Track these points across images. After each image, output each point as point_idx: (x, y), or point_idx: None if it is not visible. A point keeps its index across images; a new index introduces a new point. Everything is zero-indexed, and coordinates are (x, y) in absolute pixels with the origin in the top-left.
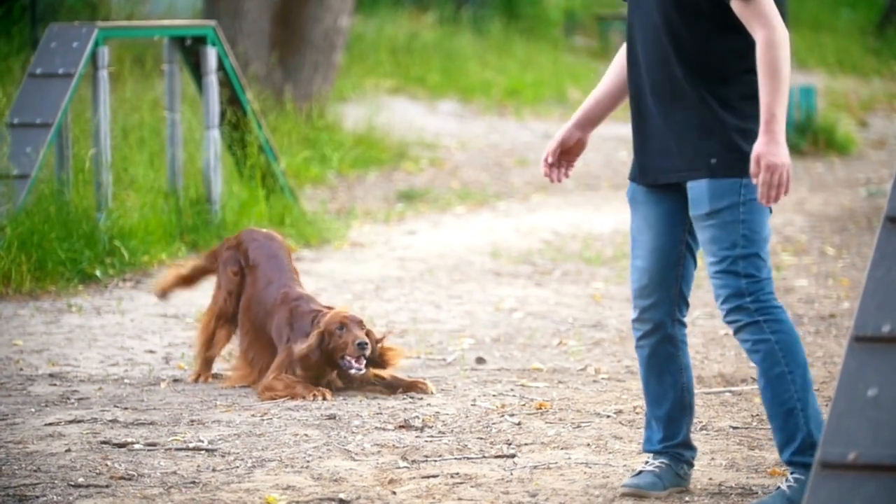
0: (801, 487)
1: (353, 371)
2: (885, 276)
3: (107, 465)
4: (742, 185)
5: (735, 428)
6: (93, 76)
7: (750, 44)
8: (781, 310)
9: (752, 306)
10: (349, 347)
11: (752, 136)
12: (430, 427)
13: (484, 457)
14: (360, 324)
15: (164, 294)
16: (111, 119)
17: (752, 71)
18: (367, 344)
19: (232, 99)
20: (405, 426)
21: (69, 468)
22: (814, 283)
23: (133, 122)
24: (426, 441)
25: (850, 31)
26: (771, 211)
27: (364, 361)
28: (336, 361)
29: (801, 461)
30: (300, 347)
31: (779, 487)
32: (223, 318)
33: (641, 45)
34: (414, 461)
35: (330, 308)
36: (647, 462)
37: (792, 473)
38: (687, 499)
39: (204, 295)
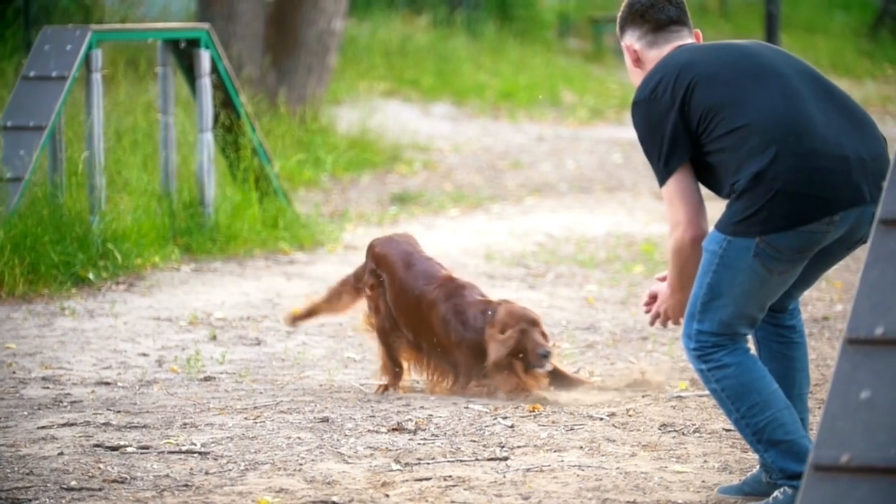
0: (787, 499)
1: (539, 370)
2: (878, 278)
3: (99, 468)
4: (727, 240)
5: (728, 430)
6: (86, 79)
7: (739, 160)
8: (725, 350)
9: (697, 354)
10: (530, 355)
11: (739, 203)
12: (423, 430)
13: (477, 459)
14: (537, 324)
15: (295, 322)
16: (104, 122)
17: (737, 182)
18: (549, 353)
19: (225, 102)
20: (398, 429)
21: (62, 471)
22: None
23: (126, 125)
24: (419, 444)
25: (844, 34)
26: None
27: (547, 363)
28: (518, 359)
29: (786, 485)
30: (494, 355)
31: (775, 496)
32: (390, 328)
33: None
34: (407, 464)
35: (494, 302)
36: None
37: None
38: (681, 501)
39: (197, 299)
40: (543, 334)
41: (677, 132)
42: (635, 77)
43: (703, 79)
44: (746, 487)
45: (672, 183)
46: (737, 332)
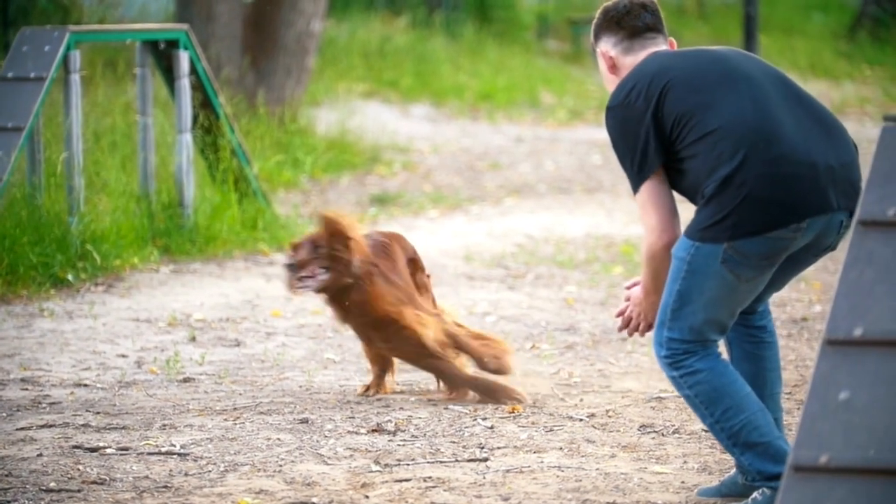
0: (766, 500)
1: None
2: (857, 279)
3: (79, 469)
4: (695, 246)
5: (707, 432)
6: (65, 80)
7: (709, 165)
8: (696, 356)
9: (669, 361)
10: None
11: (707, 209)
12: (403, 431)
13: (457, 460)
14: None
15: None
16: (83, 123)
17: (707, 186)
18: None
19: (204, 103)
20: (378, 430)
21: (41, 473)
22: (786, 287)
23: (105, 125)
24: (399, 445)
25: (822, 35)
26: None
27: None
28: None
29: (765, 486)
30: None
31: (753, 497)
32: None
33: None
34: (387, 465)
35: None
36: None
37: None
38: (660, 502)
39: (176, 300)
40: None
41: (650, 138)
42: (609, 84)
43: (676, 85)
44: (724, 489)
45: (645, 189)
46: (707, 339)
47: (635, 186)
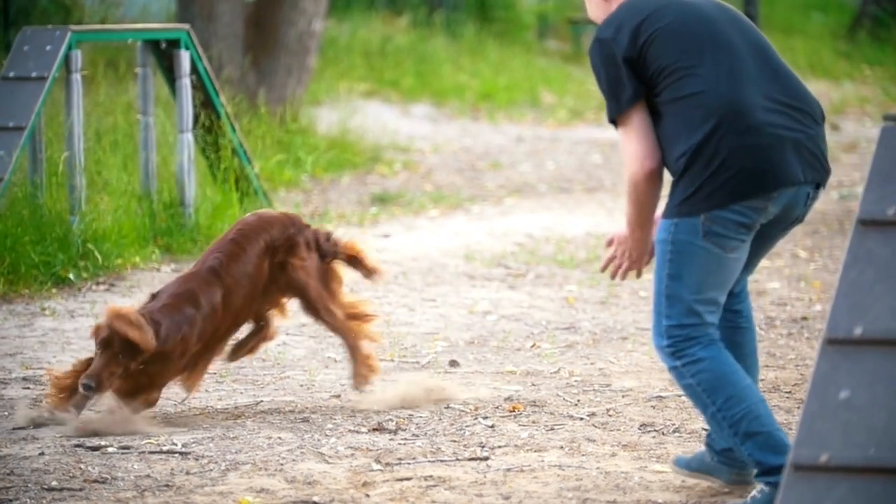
0: (765, 499)
1: None
2: (857, 278)
3: (80, 468)
4: (674, 224)
5: (707, 430)
6: (66, 79)
7: (678, 131)
8: (699, 343)
9: (670, 350)
10: None
11: (681, 183)
12: (404, 430)
13: (457, 459)
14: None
15: None
16: (84, 122)
17: (682, 155)
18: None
19: (205, 102)
20: (379, 429)
21: (43, 471)
22: (786, 286)
23: (106, 125)
24: (400, 444)
25: (822, 35)
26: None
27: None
28: None
29: (765, 481)
30: None
31: (753, 495)
32: None
33: None
34: (387, 464)
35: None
36: None
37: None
38: (661, 501)
39: None
40: None
41: (633, 75)
42: (595, 7)
43: (662, 37)
44: (693, 463)
45: (628, 118)
46: (705, 321)
47: (618, 114)
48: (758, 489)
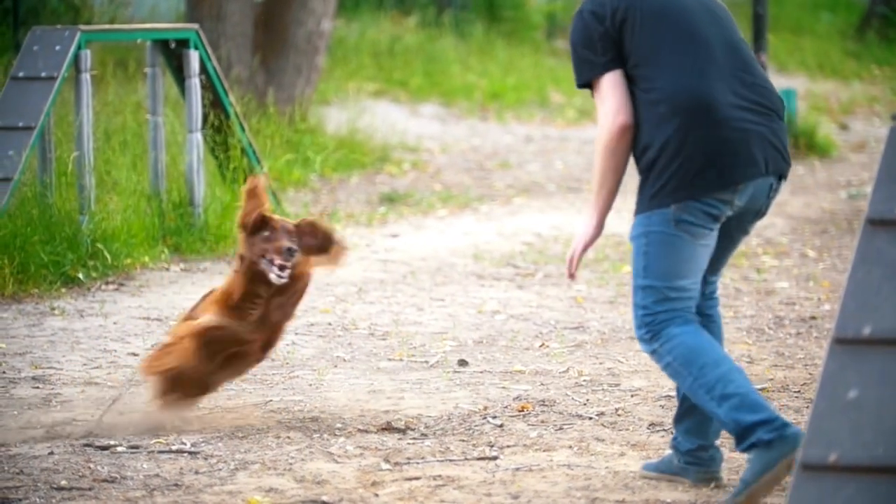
0: (752, 467)
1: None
2: (865, 278)
3: (90, 467)
4: (647, 217)
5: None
6: (75, 79)
7: (640, 119)
8: (673, 323)
9: (647, 336)
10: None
11: (650, 178)
12: (413, 429)
13: (466, 459)
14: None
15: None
16: (94, 122)
17: (648, 147)
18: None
19: (214, 102)
20: (388, 428)
21: (52, 471)
22: (795, 286)
23: (116, 125)
24: (409, 443)
25: (830, 35)
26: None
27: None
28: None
29: (747, 447)
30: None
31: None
32: None
33: None
34: (396, 463)
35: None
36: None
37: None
38: (669, 500)
39: (186, 299)
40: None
41: (611, 47)
42: None
43: (642, 20)
44: (662, 466)
45: (606, 77)
46: (676, 307)
47: (597, 74)
48: (747, 460)
